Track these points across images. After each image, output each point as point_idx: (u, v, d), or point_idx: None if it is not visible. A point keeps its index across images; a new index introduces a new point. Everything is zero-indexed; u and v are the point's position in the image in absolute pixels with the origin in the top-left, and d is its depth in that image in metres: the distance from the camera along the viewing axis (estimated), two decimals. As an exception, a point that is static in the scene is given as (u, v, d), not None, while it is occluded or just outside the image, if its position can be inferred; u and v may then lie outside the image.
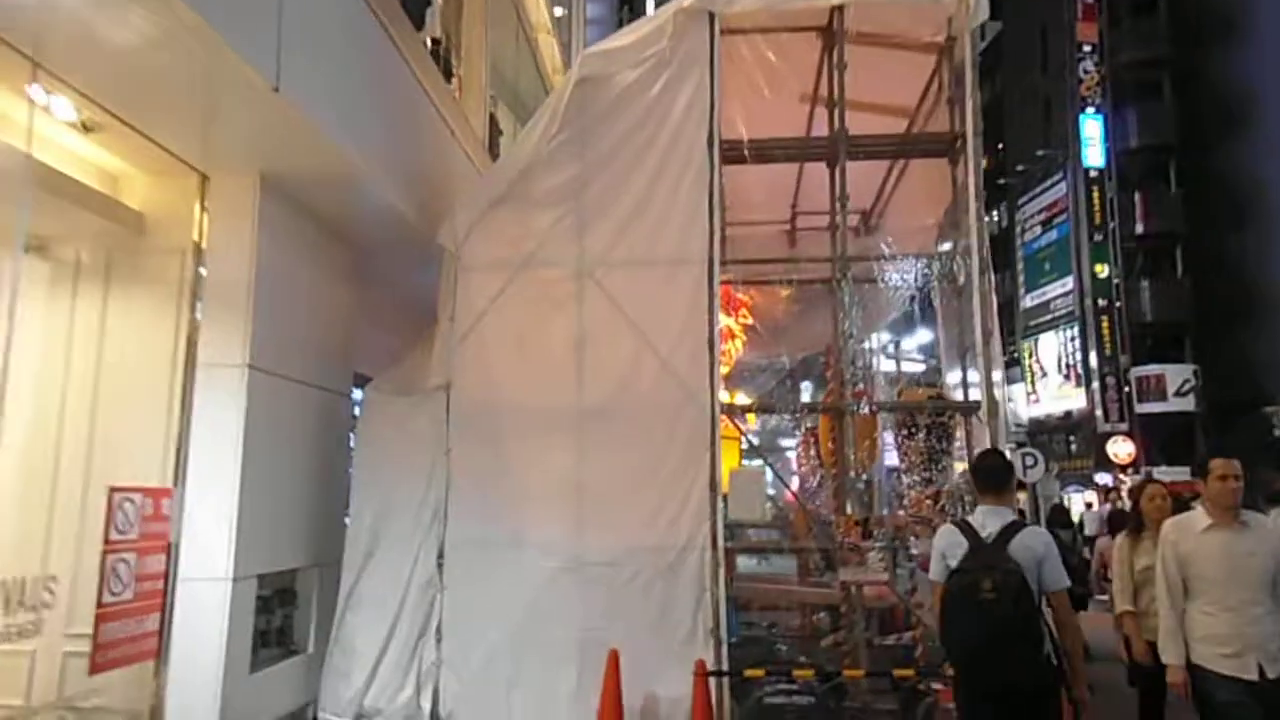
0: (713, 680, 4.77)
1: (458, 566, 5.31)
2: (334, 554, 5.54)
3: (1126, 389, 23.76)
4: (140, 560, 4.21)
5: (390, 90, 5.83)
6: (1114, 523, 9.74)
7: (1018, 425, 25.34)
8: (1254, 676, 3.33)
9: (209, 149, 4.70)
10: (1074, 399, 25.31)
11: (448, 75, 8.10)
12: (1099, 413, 23.92)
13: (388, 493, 5.46)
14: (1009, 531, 3.27)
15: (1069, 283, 25.77)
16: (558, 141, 5.54)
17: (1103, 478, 22.49)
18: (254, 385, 4.78)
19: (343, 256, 6.19)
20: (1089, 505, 21.47)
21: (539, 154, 5.55)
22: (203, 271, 4.82)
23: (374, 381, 5.77)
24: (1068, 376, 25.74)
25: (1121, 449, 22.23)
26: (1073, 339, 25.59)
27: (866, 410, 5.45)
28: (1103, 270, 24.51)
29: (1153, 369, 23.84)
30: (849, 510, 5.26)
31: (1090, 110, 25.02)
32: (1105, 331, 24.20)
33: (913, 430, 5.67)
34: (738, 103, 5.87)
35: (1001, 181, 28.19)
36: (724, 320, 7.29)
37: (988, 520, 3.36)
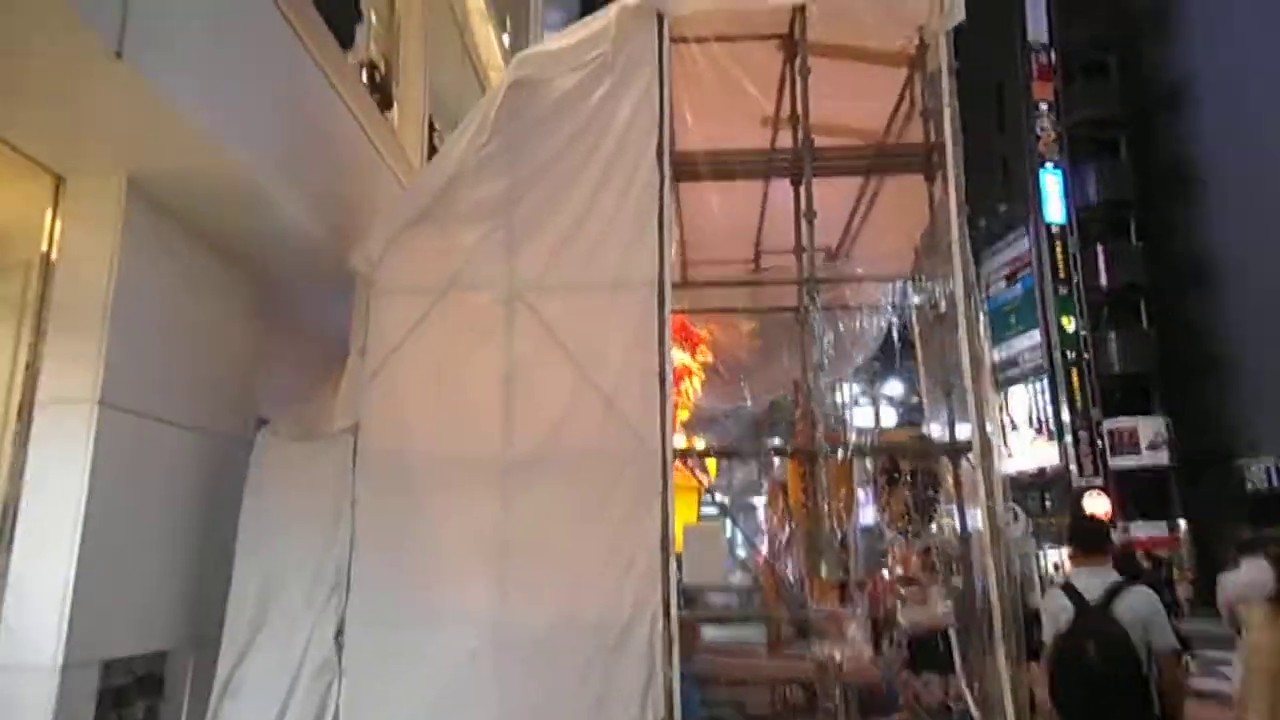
0: (663, 785, 3.92)
1: (360, 646, 4.42)
2: (218, 633, 4.62)
3: (1099, 442, 23.44)
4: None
5: (302, 104, 5.18)
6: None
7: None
8: None
9: (62, 144, 3.95)
10: (1047, 453, 24.91)
11: (387, 103, 7.54)
12: (1073, 467, 23.52)
13: (280, 555, 4.58)
14: (1113, 592, 3.38)
15: (1035, 335, 25.70)
16: (487, 151, 4.89)
17: (1079, 535, 21.89)
18: (106, 426, 3.94)
19: (246, 285, 5.43)
20: (1057, 567, 20.83)
21: (466, 165, 4.88)
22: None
23: (270, 423, 4.94)
24: (1039, 430, 25.41)
25: (1098, 505, 21.74)
26: (1042, 392, 25.37)
27: (840, 454, 4.75)
28: (1070, 323, 24.46)
29: (1125, 422, 23.60)
30: (823, 572, 4.50)
31: (1050, 165, 25.31)
32: (1075, 384, 23.99)
33: (894, 477, 4.96)
34: (696, 128, 5.32)
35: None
36: (680, 357, 6.62)
37: (1089, 582, 3.50)
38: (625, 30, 4.95)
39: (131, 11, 3.28)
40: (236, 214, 4.72)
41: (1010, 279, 27.29)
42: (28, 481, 3.83)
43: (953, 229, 4.68)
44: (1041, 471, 25.18)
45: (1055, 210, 25.26)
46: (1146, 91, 25.40)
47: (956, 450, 4.68)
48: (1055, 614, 3.52)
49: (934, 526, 4.87)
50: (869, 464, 6.02)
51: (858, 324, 6.03)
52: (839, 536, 5.36)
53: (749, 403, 7.40)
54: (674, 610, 4.31)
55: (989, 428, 4.53)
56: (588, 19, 5.20)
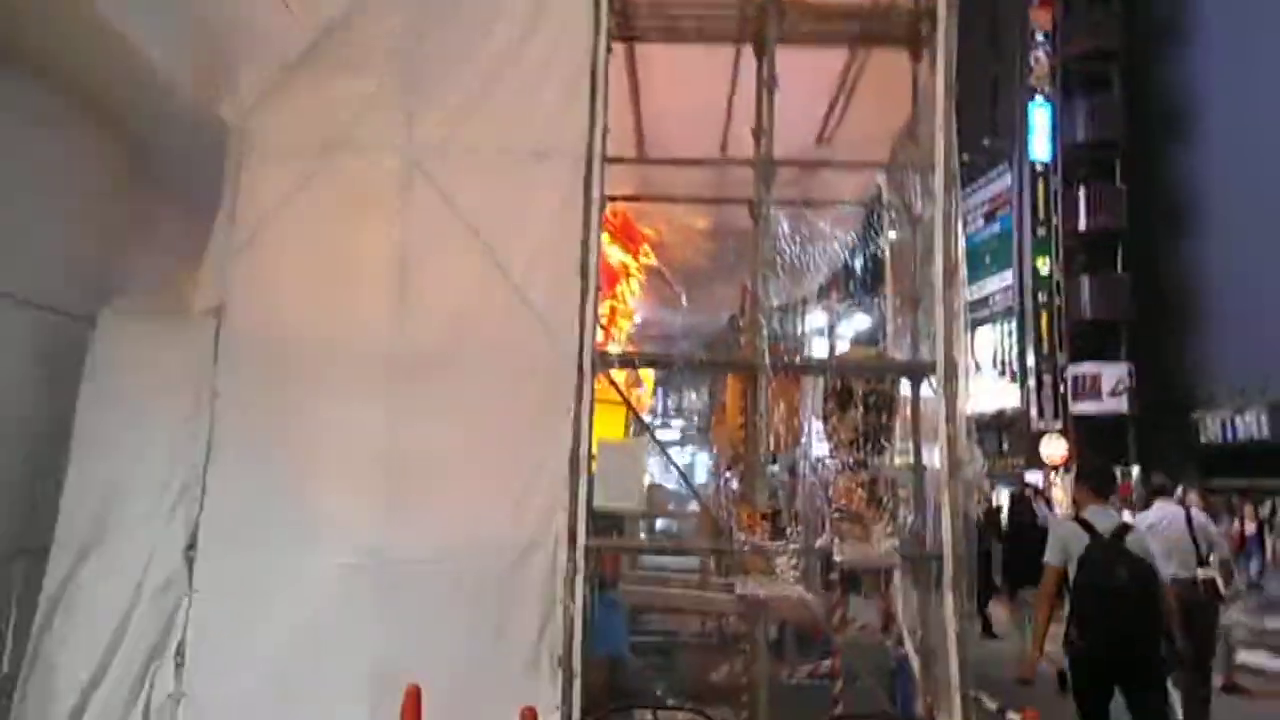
0: (553, 730, 3.41)
1: (215, 562, 3.81)
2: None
3: (1062, 387, 23.31)
4: None
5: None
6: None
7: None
8: None
9: None
10: (1008, 395, 24.79)
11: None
12: (1034, 411, 23.43)
13: (122, 455, 3.90)
14: (1121, 531, 4.09)
15: (1008, 277, 25.23)
16: (386, -18, 4.05)
17: (1033, 476, 21.98)
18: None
19: (115, 151, 4.59)
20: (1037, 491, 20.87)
21: (359, -1, 4.03)
22: None
23: (116, 300, 4.17)
24: (1003, 372, 25.22)
25: (1055, 449, 21.73)
26: (1010, 334, 25.07)
27: (785, 370, 4.14)
28: (1044, 265, 23.99)
29: (1089, 367, 23.42)
30: (757, 502, 3.92)
31: (1040, 99, 24.38)
32: (1044, 328, 23.69)
33: (845, 400, 4.35)
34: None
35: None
36: (617, 254, 5.90)
37: (1099, 520, 4.10)
38: None
39: None
40: (93, 59, 3.86)
41: (989, 217, 26.62)
42: None
43: (938, 113, 3.97)
44: (1001, 413, 25.10)
45: (1041, 147, 24.43)
46: (1145, 27, 24.43)
47: (918, 370, 4.08)
48: (1067, 540, 4.07)
49: (884, 457, 4.31)
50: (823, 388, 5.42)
51: (825, 227, 5.31)
52: (773, 461, 4.82)
53: (702, 316, 6.72)
54: (581, 537, 3.74)
55: (956, 348, 3.93)
56: None
